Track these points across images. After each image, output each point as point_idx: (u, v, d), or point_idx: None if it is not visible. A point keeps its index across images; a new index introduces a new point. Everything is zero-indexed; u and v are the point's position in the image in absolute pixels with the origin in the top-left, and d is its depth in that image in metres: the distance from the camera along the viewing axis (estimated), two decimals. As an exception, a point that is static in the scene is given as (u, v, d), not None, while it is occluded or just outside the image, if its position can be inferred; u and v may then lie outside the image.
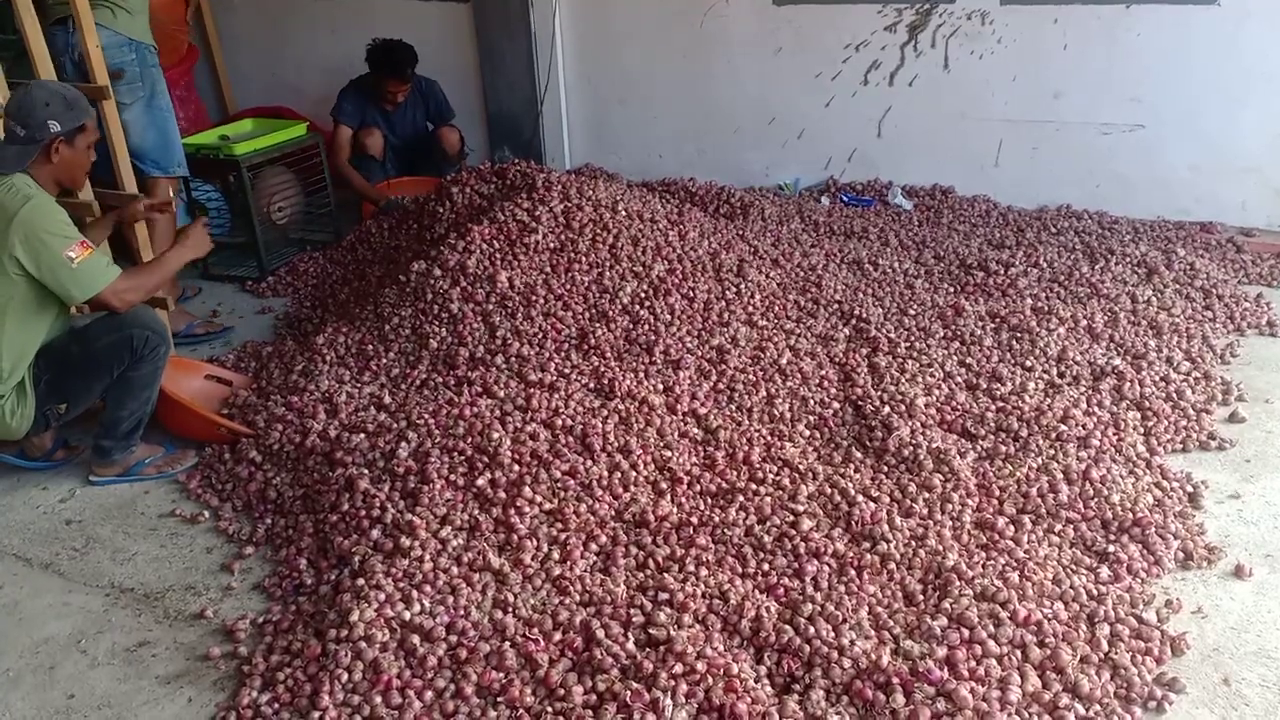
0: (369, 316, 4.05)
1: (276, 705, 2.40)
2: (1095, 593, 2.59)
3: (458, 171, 5.89)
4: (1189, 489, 3.08)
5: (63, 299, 3.18)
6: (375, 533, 2.87)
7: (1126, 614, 2.52)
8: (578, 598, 2.62)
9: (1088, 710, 2.25)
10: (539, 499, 2.96)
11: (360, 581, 2.66)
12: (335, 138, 5.70)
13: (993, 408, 3.44)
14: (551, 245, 4.12)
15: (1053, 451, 3.19)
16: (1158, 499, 2.99)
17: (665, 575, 2.68)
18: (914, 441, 3.23)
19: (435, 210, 4.87)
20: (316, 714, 2.33)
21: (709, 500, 3.03)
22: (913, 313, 4.19)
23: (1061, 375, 3.66)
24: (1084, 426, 3.30)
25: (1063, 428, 3.28)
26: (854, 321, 4.12)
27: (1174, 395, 3.54)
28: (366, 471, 3.11)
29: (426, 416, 3.32)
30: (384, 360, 3.79)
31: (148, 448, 3.50)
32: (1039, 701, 2.27)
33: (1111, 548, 2.77)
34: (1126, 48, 5.03)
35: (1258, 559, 2.79)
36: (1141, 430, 3.35)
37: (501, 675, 2.37)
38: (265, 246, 5.19)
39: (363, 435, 3.28)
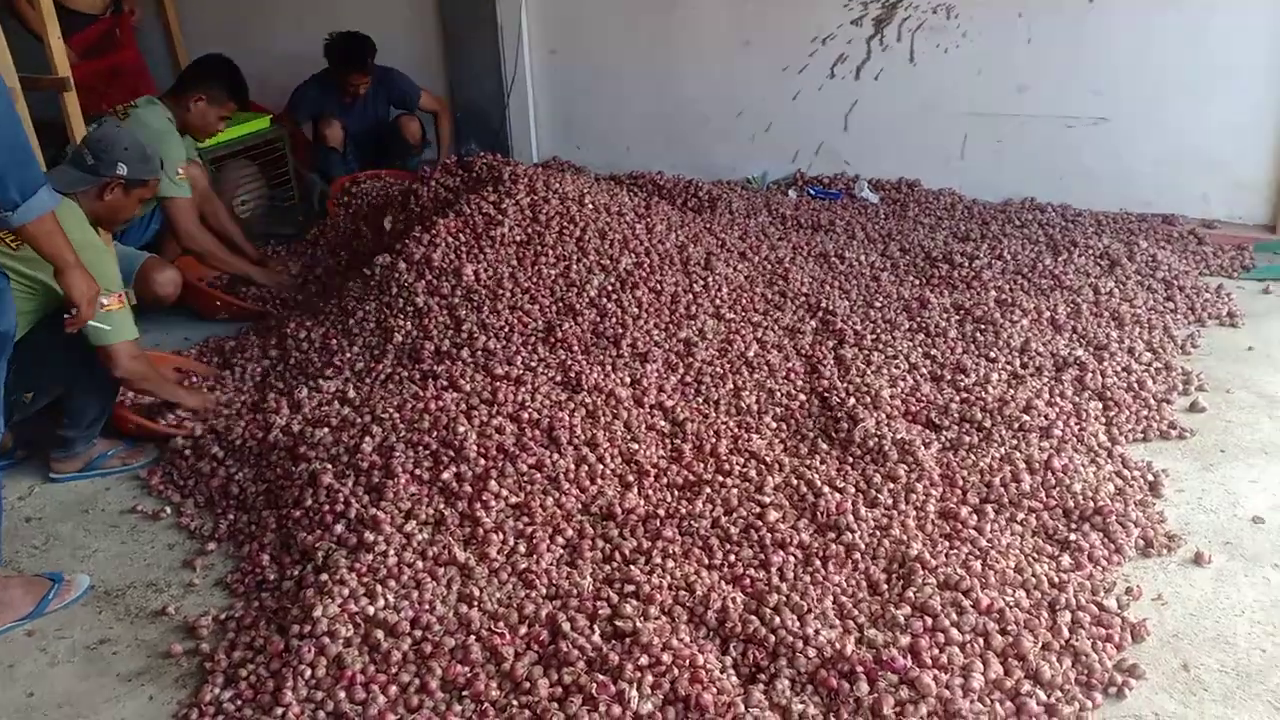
0: (333, 310, 4.02)
1: (239, 702, 2.38)
2: (1057, 580, 2.61)
3: (418, 164, 5.87)
4: (1150, 478, 3.11)
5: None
6: (339, 528, 2.85)
7: (1087, 601, 2.55)
8: (544, 591, 2.62)
9: (1049, 696, 2.27)
10: (505, 492, 2.95)
11: (324, 577, 2.64)
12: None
13: (957, 399, 3.47)
14: (518, 238, 4.11)
15: (1015, 441, 3.22)
16: (1119, 488, 3.02)
17: (632, 567, 2.68)
18: (879, 433, 3.25)
19: (401, 203, 4.85)
20: (279, 710, 2.31)
21: (676, 492, 3.03)
22: (879, 305, 4.21)
23: (1024, 366, 3.69)
24: (1046, 417, 3.32)
25: (1025, 418, 3.31)
26: (821, 314, 4.14)
27: (1135, 385, 3.57)
28: (330, 466, 3.08)
29: (391, 410, 3.30)
30: (348, 354, 3.77)
31: (108, 441, 3.47)
32: (1001, 688, 2.29)
33: (1073, 536, 2.80)
34: (1090, 41, 5.07)
35: (1217, 546, 2.83)
36: (1103, 420, 3.39)
37: (467, 669, 2.36)
38: (229, 240, 5.15)
39: (326, 430, 3.26)
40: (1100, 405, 3.45)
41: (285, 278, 4.80)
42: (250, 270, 4.68)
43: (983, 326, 3.97)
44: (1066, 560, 2.71)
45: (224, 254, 4.58)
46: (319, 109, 5.77)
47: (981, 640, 2.41)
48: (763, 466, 3.13)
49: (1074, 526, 2.86)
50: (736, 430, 3.34)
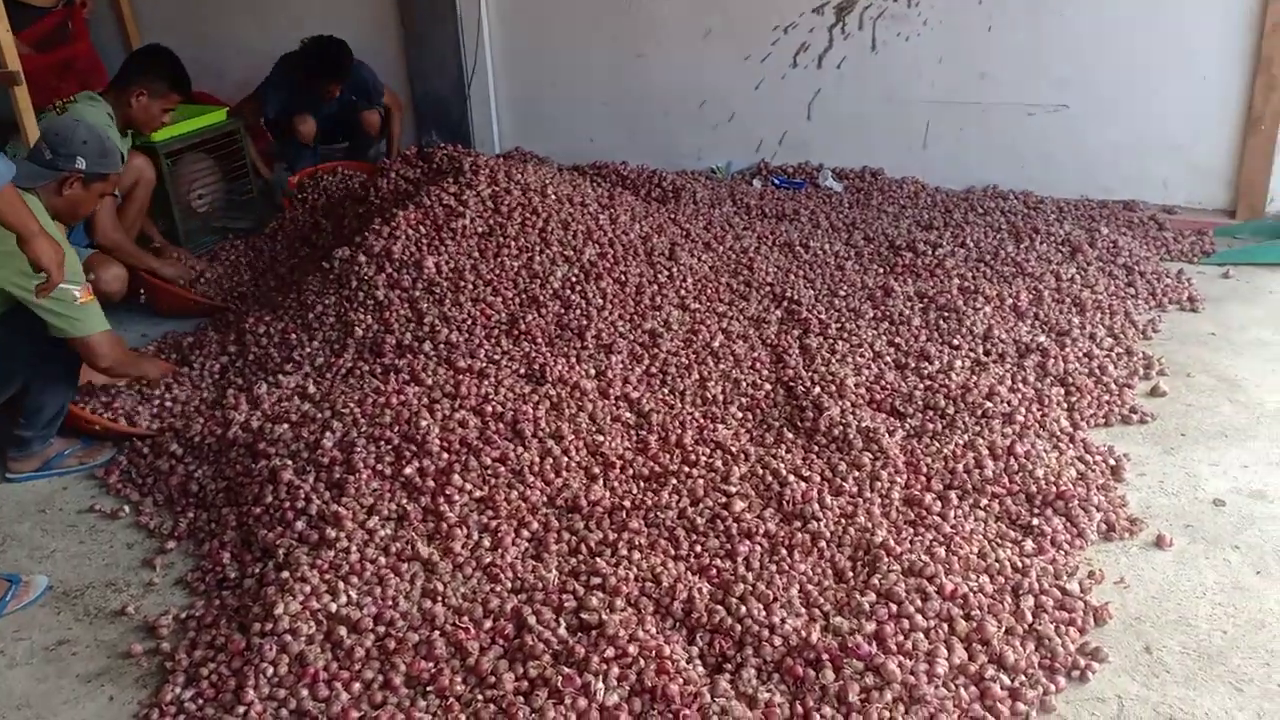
0: (292, 305, 3.97)
1: (200, 701, 2.35)
2: (1020, 565, 2.63)
3: (377, 155, 5.82)
4: (1111, 462, 3.13)
5: (49, 326, 3.16)
6: (300, 524, 2.82)
7: (1050, 585, 2.57)
8: (509, 585, 2.61)
9: (1013, 681, 2.28)
10: (469, 486, 2.93)
11: (285, 574, 2.62)
12: (248, 113, 5.63)
13: (920, 386, 3.48)
14: (480, 230, 4.07)
15: (978, 428, 3.23)
16: (1081, 472, 3.04)
17: (598, 560, 2.67)
18: (844, 421, 3.25)
19: (360, 196, 4.80)
20: (241, 709, 2.29)
21: (642, 484, 3.02)
22: (843, 294, 4.21)
23: (987, 353, 3.70)
24: (1009, 403, 3.34)
25: (988, 404, 3.32)
26: (785, 303, 4.14)
27: (1097, 371, 3.60)
28: (290, 463, 3.05)
29: (352, 405, 3.27)
30: (308, 349, 3.73)
31: (64, 440, 3.42)
32: (965, 673, 2.30)
33: (1036, 521, 2.82)
34: (1051, 28, 5.09)
35: (1178, 529, 2.85)
36: (1065, 405, 3.41)
37: (431, 665, 2.35)
38: (186, 235, 5.08)
39: (286, 426, 3.22)
40: (1062, 391, 3.47)
41: (185, 268, 4.71)
42: (150, 262, 4.56)
43: (946, 314, 3.98)
44: (1029, 545, 2.73)
45: (131, 248, 4.45)
46: (288, 107, 5.68)
47: (946, 626, 2.42)
48: (728, 456, 3.13)
49: (1036, 511, 2.87)
50: (702, 421, 3.34)
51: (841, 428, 3.22)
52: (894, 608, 2.44)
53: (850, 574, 2.62)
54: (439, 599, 2.54)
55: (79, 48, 5.90)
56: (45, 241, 2.85)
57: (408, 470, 2.96)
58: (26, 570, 2.89)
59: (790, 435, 3.28)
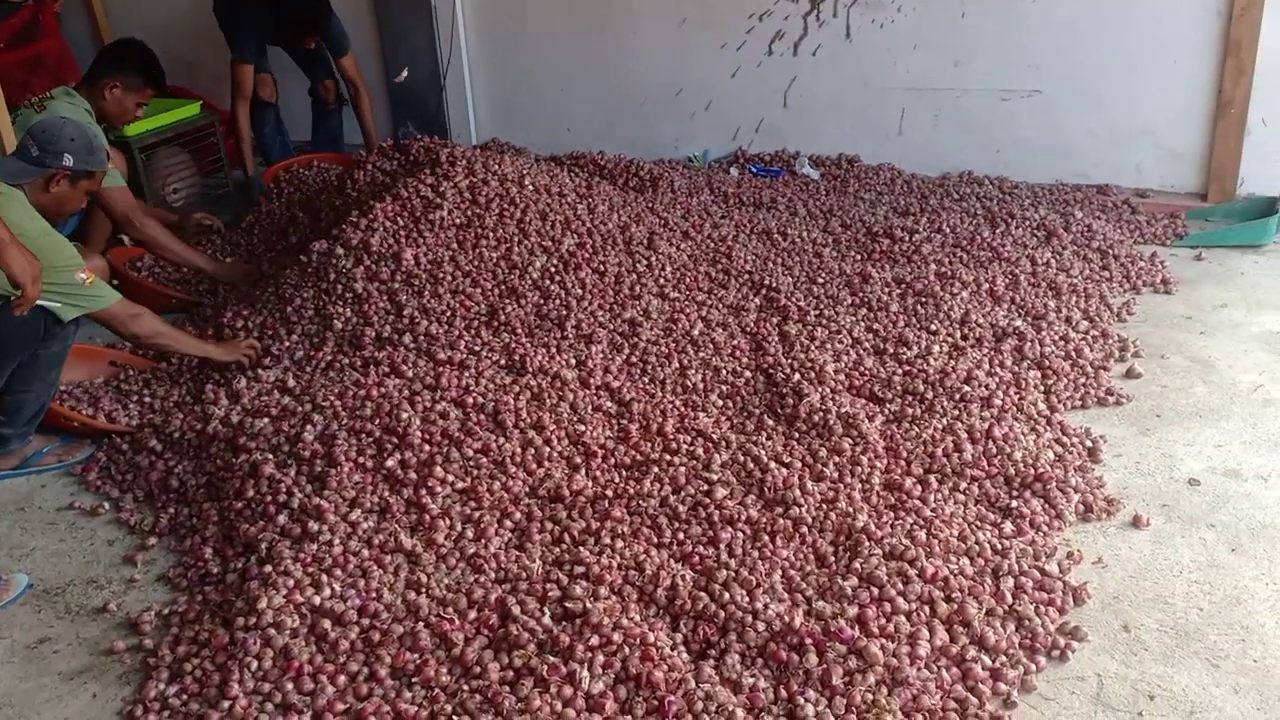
0: (270, 298, 3.96)
1: (184, 696, 2.35)
2: (999, 547, 2.66)
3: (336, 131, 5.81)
4: (1088, 444, 3.16)
5: (62, 311, 3.15)
6: (282, 518, 2.81)
7: (1030, 567, 2.59)
8: (493, 575, 2.61)
9: (994, 661, 2.31)
10: (451, 478, 2.93)
11: (268, 568, 2.61)
12: (241, 80, 5.52)
13: (899, 371, 3.50)
14: (458, 221, 4.07)
15: (957, 412, 3.26)
16: (1058, 454, 3.07)
17: (581, 549, 2.68)
18: (824, 407, 3.27)
19: (337, 188, 4.78)
20: (226, 703, 2.28)
21: (624, 472, 3.03)
22: (821, 281, 4.23)
23: (965, 338, 3.73)
24: (987, 387, 3.37)
25: (966, 388, 3.35)
26: (764, 291, 4.15)
27: (1073, 354, 3.63)
28: (271, 456, 3.04)
29: (332, 398, 3.26)
30: (287, 343, 3.72)
31: (43, 438, 3.40)
32: (947, 655, 2.32)
33: (1014, 503, 2.85)
34: (1023, 14, 5.12)
35: (1154, 509, 2.88)
36: (1042, 388, 3.44)
37: (416, 656, 2.35)
38: (162, 230, 5.04)
39: (266, 420, 3.21)
40: (1039, 374, 3.50)
41: (246, 268, 4.57)
42: (204, 264, 4.44)
43: (923, 299, 4.00)
44: (1009, 527, 2.76)
45: (176, 244, 4.33)
46: (259, 57, 5.64)
47: (927, 608, 2.44)
48: (709, 444, 3.14)
49: (1015, 494, 2.90)
50: (683, 409, 3.34)
51: (821, 414, 3.24)
52: (876, 591, 2.46)
53: (832, 558, 2.64)
54: (423, 590, 2.54)
55: (49, 43, 5.85)
56: (19, 253, 2.82)
57: (389, 463, 2.96)
58: (6, 569, 2.88)
59: (771, 422, 3.29)
